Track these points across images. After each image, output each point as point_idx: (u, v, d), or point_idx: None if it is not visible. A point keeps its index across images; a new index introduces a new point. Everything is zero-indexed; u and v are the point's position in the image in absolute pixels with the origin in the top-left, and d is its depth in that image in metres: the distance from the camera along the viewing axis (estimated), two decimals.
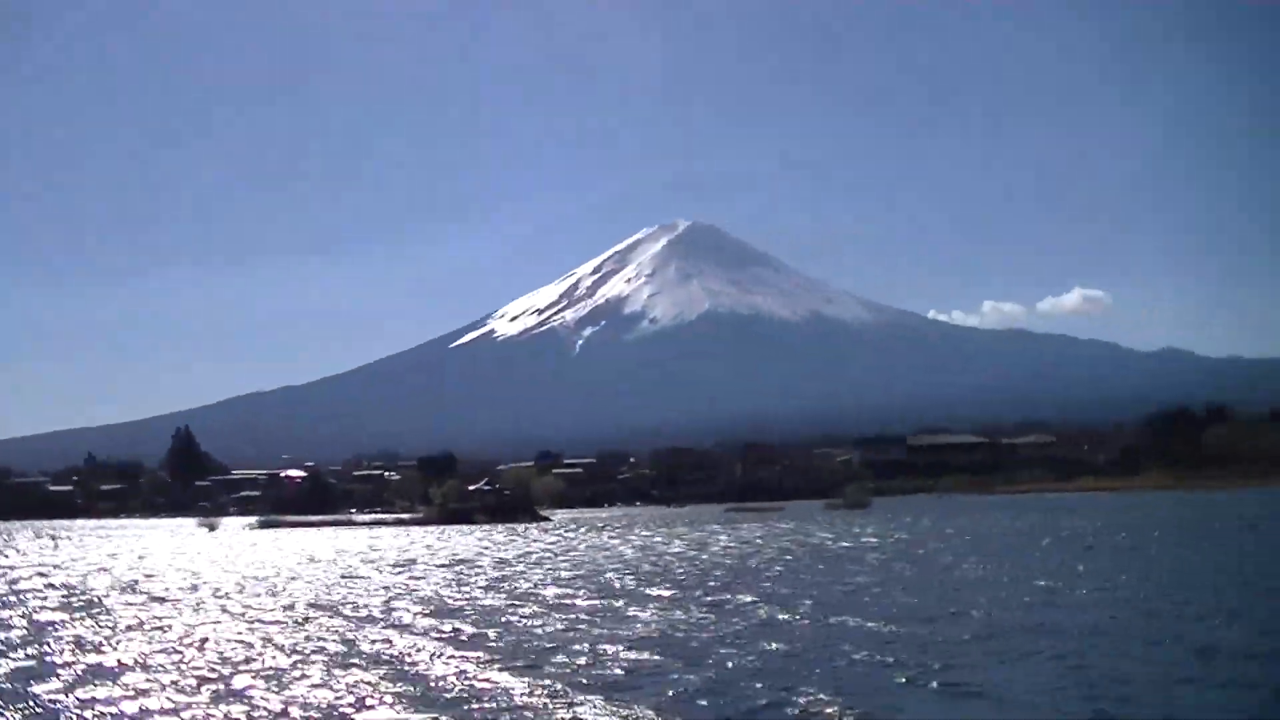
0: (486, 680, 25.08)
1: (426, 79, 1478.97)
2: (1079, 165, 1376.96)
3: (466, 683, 24.98)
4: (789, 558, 61.69)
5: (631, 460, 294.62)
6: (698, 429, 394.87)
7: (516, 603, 40.64)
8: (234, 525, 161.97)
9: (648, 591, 43.57)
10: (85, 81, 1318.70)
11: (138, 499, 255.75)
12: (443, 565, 65.34)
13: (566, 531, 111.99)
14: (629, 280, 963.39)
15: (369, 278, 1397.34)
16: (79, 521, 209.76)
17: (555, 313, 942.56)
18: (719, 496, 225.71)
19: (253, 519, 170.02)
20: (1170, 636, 28.39)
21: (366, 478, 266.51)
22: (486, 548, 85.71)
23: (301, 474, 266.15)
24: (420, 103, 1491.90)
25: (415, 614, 38.06)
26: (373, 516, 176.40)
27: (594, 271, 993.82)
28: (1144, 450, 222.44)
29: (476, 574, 56.21)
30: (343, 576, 57.42)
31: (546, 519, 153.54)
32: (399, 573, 60.10)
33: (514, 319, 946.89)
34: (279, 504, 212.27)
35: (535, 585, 47.76)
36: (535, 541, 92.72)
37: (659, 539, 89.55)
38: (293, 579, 56.29)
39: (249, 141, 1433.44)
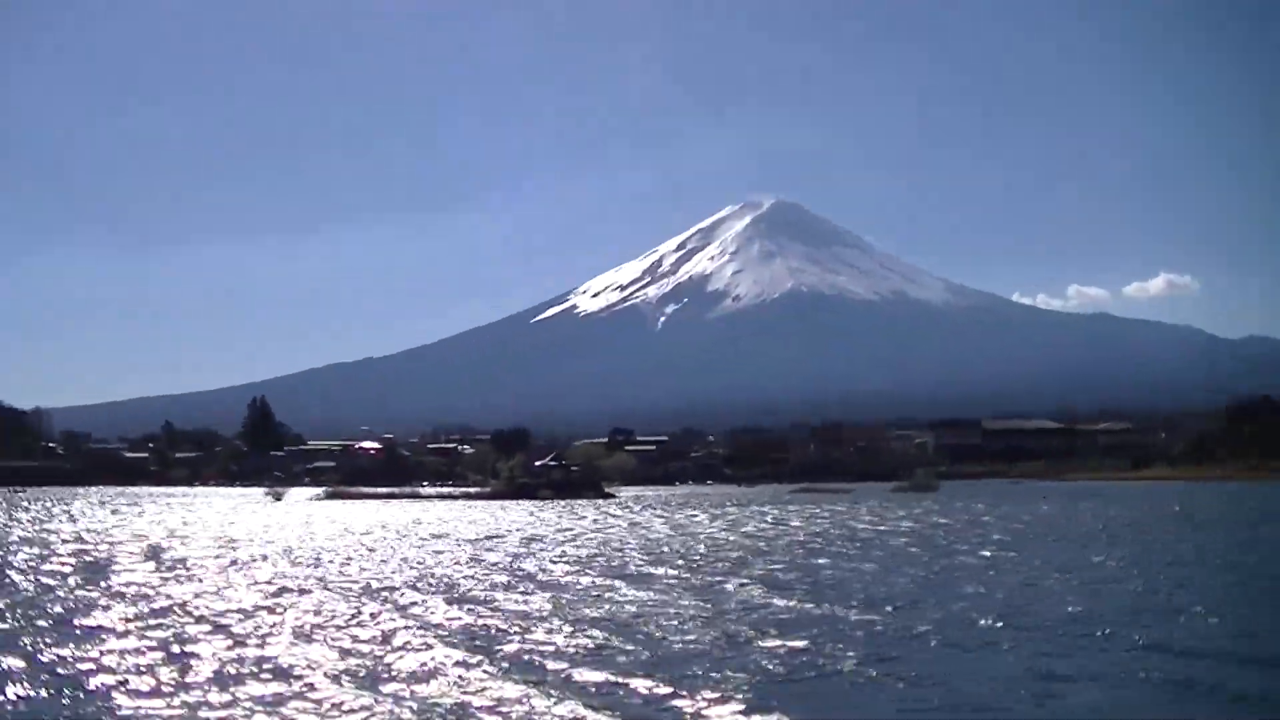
0: (420, 656, 25.25)
1: (523, 46, 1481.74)
2: (1169, 149, 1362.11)
3: (397, 656, 25.27)
4: (817, 541, 61.36)
5: (710, 439, 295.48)
6: (777, 408, 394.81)
7: (512, 580, 40.79)
8: (302, 495, 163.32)
9: (653, 572, 43.63)
10: (164, 43, 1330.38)
11: (212, 467, 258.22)
12: (472, 540, 65.65)
13: (626, 509, 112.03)
14: (712, 258, 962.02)
15: (451, 249, 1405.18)
16: (151, 488, 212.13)
17: (638, 289, 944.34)
18: (790, 476, 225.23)
19: (320, 490, 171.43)
20: (1129, 633, 28.05)
21: (441, 450, 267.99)
22: (530, 523, 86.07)
23: (376, 446, 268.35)
24: (510, 72, 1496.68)
25: (400, 588, 38.37)
26: (439, 490, 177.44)
27: (678, 248, 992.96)
28: (1219, 439, 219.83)
29: (498, 550, 56.32)
30: (369, 549, 57.82)
31: (613, 496, 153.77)
32: (422, 545, 60.78)
33: (596, 295, 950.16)
34: (352, 475, 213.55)
35: (544, 564, 47.81)
36: (583, 519, 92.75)
37: (705, 518, 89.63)
38: (321, 551, 56.78)
39: (335, 105, 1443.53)
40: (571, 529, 77.12)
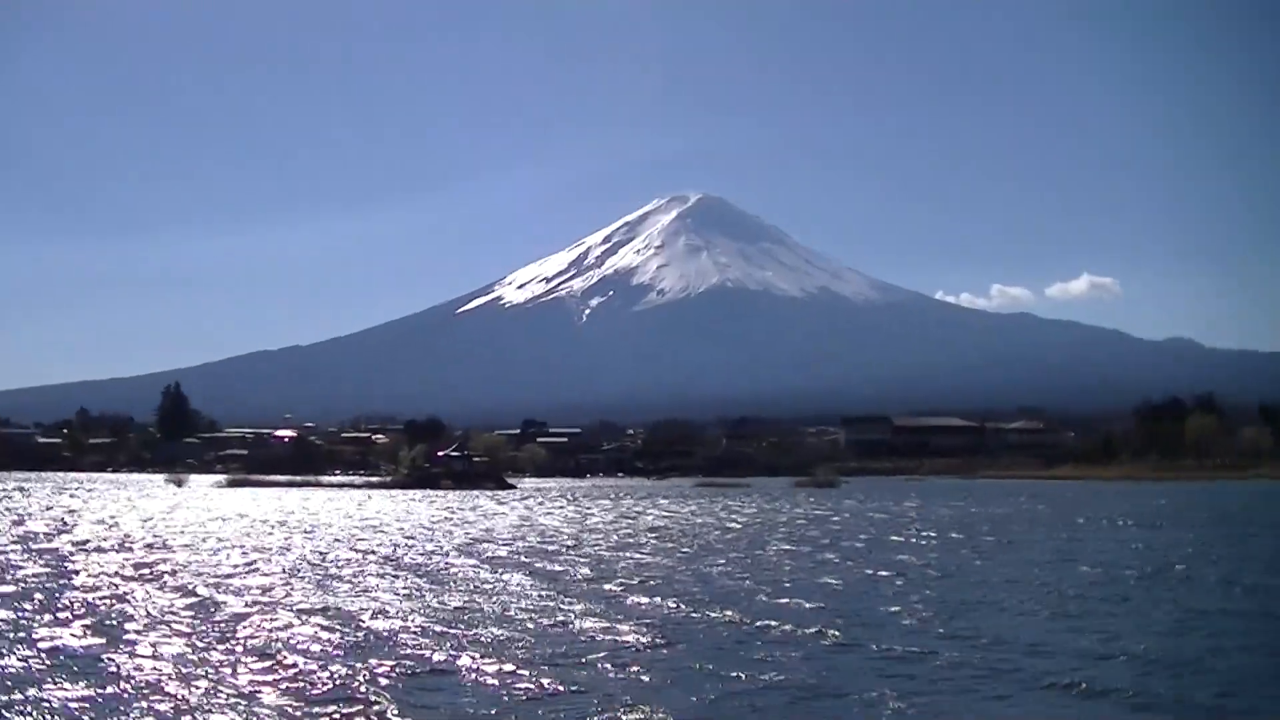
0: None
1: (440, 39, 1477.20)
2: (1091, 151, 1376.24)
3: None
4: (653, 536, 62.43)
5: (629, 432, 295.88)
6: (699, 403, 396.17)
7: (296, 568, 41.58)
8: (204, 482, 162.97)
9: (487, 559, 44.56)
10: (104, 44, 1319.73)
11: (125, 454, 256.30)
12: (318, 526, 66.31)
13: (521, 500, 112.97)
14: (638, 251, 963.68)
15: (378, 240, 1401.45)
16: (61, 475, 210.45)
17: (563, 281, 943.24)
18: (700, 470, 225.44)
19: (222, 477, 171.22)
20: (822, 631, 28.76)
21: (354, 440, 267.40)
22: (407, 512, 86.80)
23: (290, 434, 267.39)
24: (432, 63, 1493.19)
25: (187, 577, 39.00)
26: (341, 479, 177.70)
27: (604, 241, 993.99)
28: (1125, 440, 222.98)
29: (327, 539, 56.98)
30: (217, 538, 58.13)
31: (513, 487, 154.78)
32: (270, 531, 61.51)
33: (522, 286, 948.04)
34: (263, 463, 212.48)
35: (360, 557, 48.26)
36: (467, 509, 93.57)
37: (595, 510, 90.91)
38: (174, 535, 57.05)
39: (258, 101, 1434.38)
40: (443, 520, 77.79)
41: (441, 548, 52.44)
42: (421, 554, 48.73)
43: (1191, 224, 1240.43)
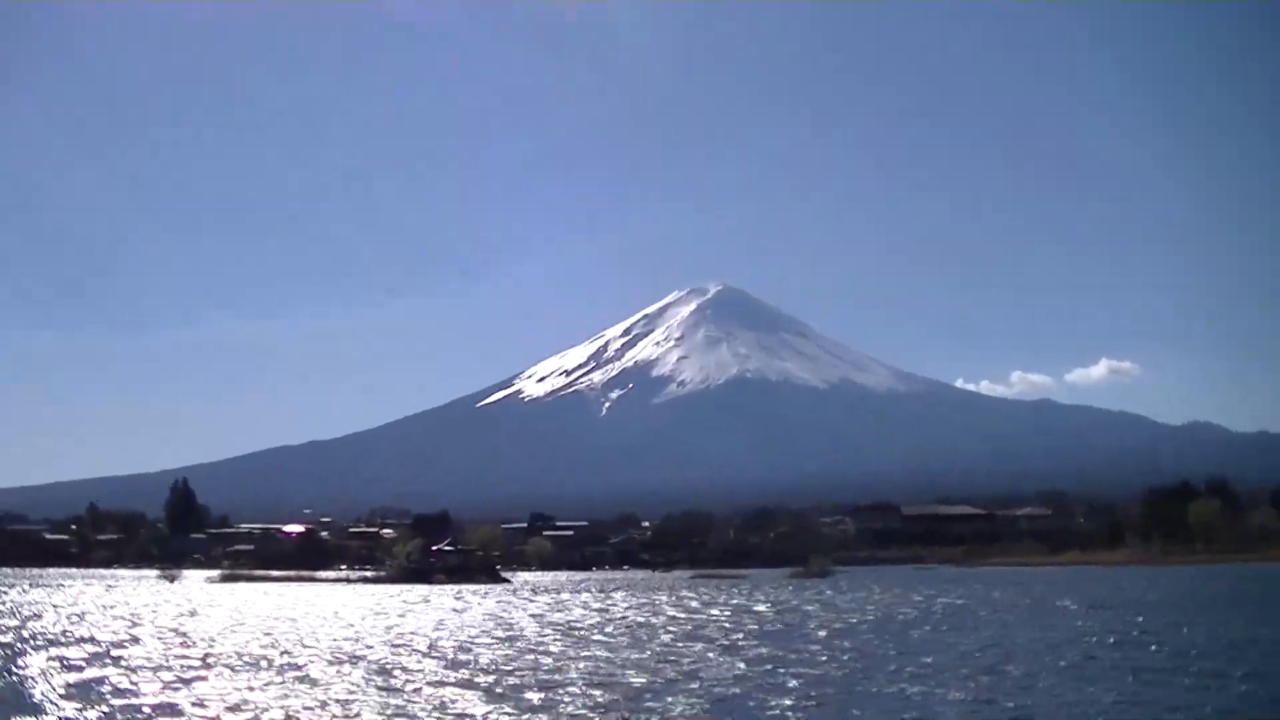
0: None
1: (458, 130, 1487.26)
2: (1108, 236, 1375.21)
3: None
4: (625, 629, 62.61)
5: (644, 525, 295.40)
6: (720, 493, 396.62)
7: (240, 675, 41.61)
8: (198, 577, 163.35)
9: (436, 662, 44.64)
10: (120, 126, 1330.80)
11: (133, 549, 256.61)
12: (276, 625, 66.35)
13: (513, 595, 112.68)
14: (658, 343, 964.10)
15: (398, 333, 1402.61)
16: (69, 570, 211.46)
17: (583, 374, 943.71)
18: (707, 562, 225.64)
19: (215, 572, 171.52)
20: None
21: (363, 534, 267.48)
22: (379, 609, 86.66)
23: (300, 529, 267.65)
24: (453, 155, 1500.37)
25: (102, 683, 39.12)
26: (338, 573, 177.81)
27: (623, 334, 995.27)
28: (1130, 524, 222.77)
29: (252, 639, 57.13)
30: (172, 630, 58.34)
31: (507, 581, 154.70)
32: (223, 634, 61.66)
33: (542, 380, 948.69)
34: (270, 559, 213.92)
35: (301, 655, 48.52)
36: (441, 607, 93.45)
37: (578, 606, 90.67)
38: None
39: (277, 187, 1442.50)
40: (408, 618, 77.73)
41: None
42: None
43: (1210, 306, 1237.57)
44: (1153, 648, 47.22)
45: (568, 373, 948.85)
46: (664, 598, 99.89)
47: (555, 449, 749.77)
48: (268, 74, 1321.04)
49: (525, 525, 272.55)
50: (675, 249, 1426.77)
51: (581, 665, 40.82)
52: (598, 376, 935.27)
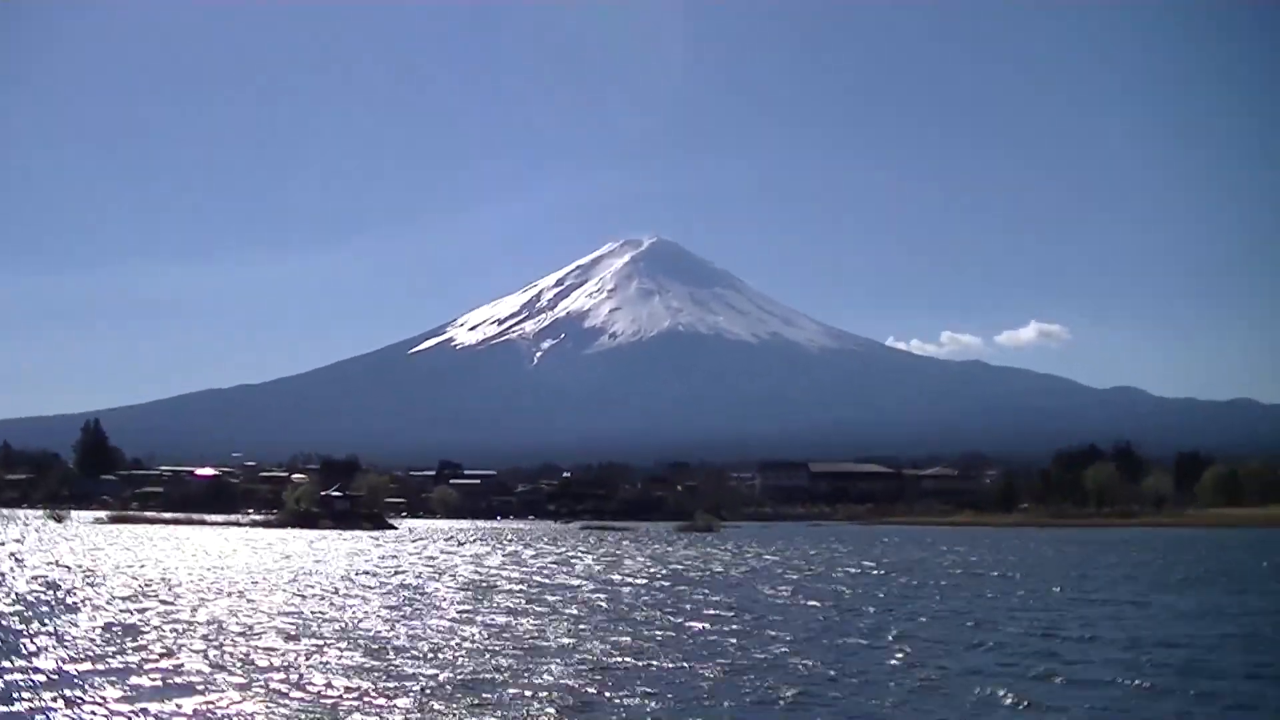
0: None
1: (394, 82, 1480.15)
2: (1040, 199, 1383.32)
3: None
4: (467, 576, 63.62)
5: (566, 475, 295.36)
6: (645, 446, 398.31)
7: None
8: (86, 518, 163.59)
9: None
10: (60, 69, 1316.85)
11: (42, 490, 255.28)
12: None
13: (388, 542, 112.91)
14: (591, 295, 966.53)
15: (330, 279, 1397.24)
16: None
17: (516, 323, 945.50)
18: (612, 514, 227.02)
19: (103, 513, 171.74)
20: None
21: (271, 479, 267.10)
22: (242, 551, 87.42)
23: (210, 473, 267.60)
24: (387, 106, 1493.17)
25: None
26: (226, 518, 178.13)
27: (556, 284, 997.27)
28: (1028, 486, 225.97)
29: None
30: None
31: (392, 526, 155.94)
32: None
33: (474, 328, 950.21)
34: (180, 501, 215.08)
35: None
36: (294, 552, 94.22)
37: (455, 554, 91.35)
38: None
39: (211, 135, 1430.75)
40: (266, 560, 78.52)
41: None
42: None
43: (1139, 274, 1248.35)
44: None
45: (500, 321, 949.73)
46: (516, 549, 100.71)
47: (485, 397, 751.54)
48: (204, 13, 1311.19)
49: (433, 473, 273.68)
50: (610, 201, 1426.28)
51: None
52: (530, 326, 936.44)
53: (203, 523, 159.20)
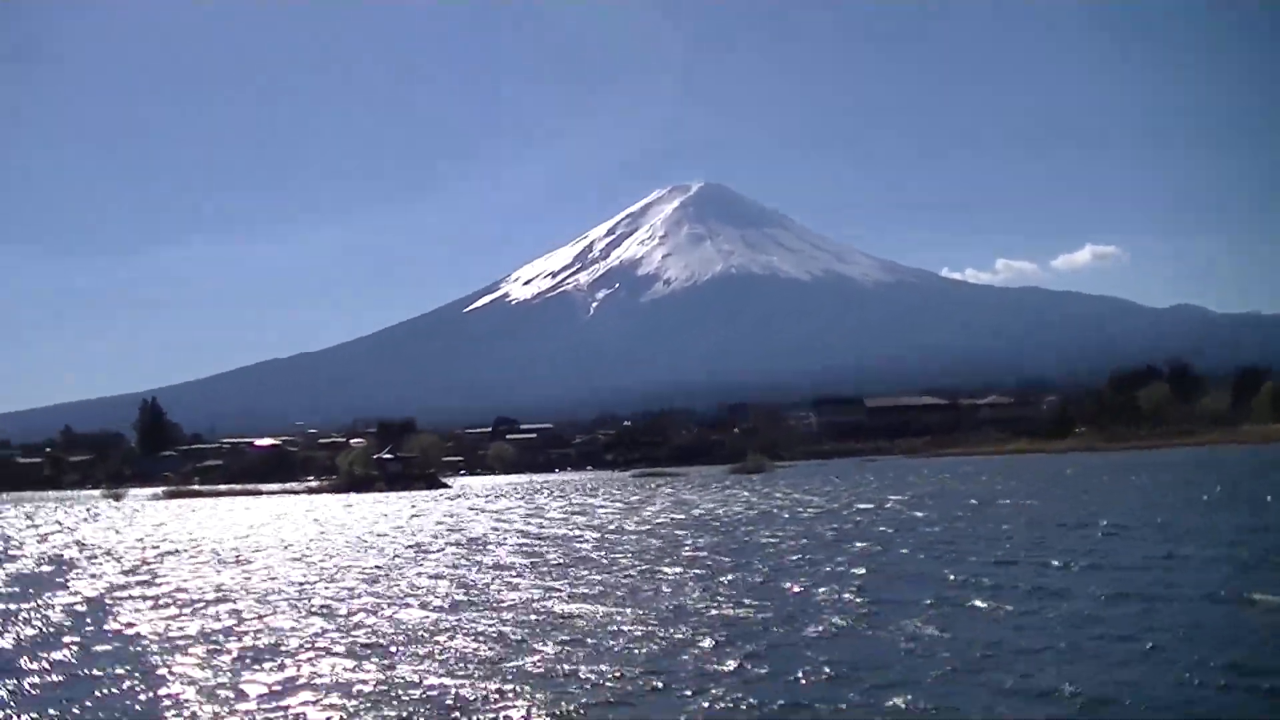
0: None
1: (437, 38, 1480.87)
2: (1090, 119, 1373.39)
3: None
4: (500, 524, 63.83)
5: (627, 424, 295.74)
6: (704, 390, 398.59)
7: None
8: (144, 496, 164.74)
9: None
10: (91, 56, 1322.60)
11: (104, 470, 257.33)
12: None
13: (440, 501, 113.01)
14: (642, 242, 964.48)
15: (383, 242, 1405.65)
16: (42, 494, 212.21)
17: (569, 275, 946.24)
18: (667, 460, 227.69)
19: (160, 489, 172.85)
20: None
21: (329, 445, 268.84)
22: (279, 520, 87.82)
23: (270, 443, 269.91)
24: (429, 63, 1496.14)
25: None
26: (283, 486, 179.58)
27: (607, 234, 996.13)
28: (1081, 411, 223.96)
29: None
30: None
31: (445, 486, 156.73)
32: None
33: (528, 282, 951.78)
34: (239, 473, 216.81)
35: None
36: (344, 513, 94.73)
37: (485, 510, 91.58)
38: None
39: (258, 104, 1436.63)
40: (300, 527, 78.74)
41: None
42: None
43: (1194, 188, 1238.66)
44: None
45: (554, 274, 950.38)
46: (542, 501, 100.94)
47: (542, 351, 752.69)
48: None
49: (489, 430, 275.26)
50: (657, 147, 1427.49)
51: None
52: (583, 277, 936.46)
53: (258, 493, 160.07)
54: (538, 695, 20.19)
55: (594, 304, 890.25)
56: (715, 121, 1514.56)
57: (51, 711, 20.84)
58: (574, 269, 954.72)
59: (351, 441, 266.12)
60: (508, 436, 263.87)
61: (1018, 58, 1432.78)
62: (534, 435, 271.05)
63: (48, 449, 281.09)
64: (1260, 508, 52.76)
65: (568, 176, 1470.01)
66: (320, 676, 22.57)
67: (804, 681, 20.63)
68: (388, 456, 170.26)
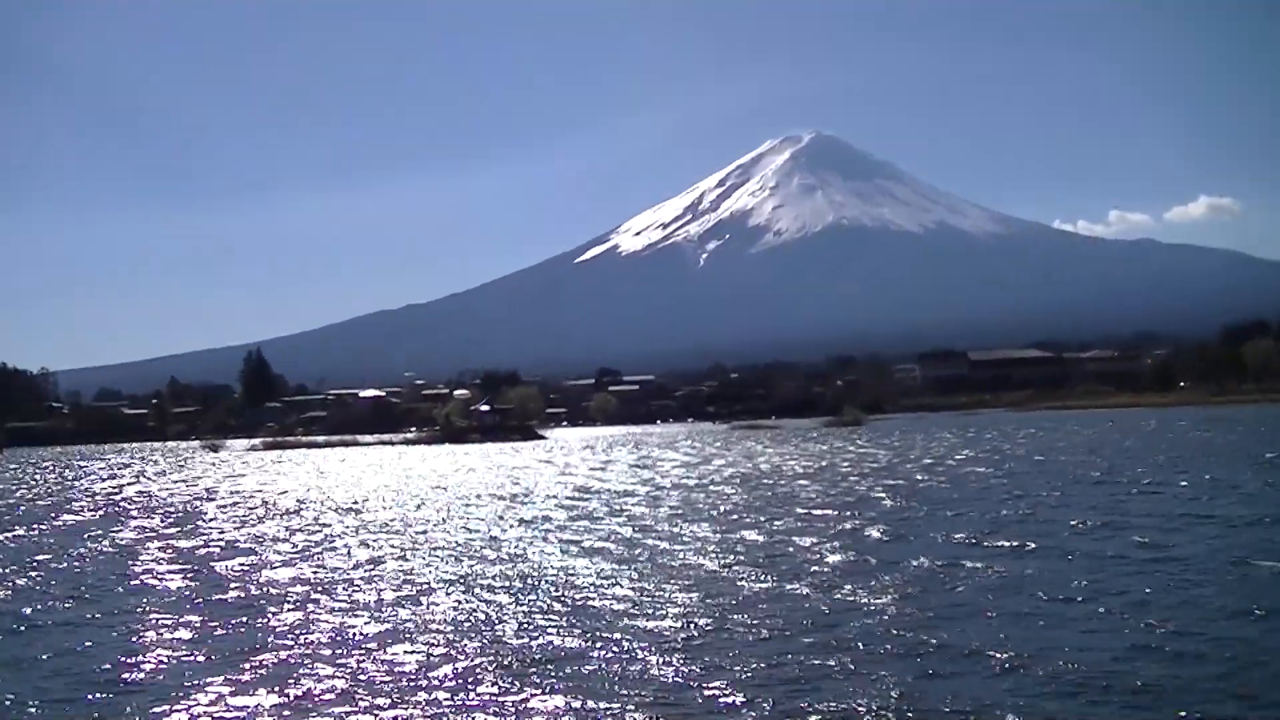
0: None
1: None
2: (1206, 71, 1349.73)
3: None
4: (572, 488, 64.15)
5: (734, 376, 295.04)
6: (813, 343, 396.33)
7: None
8: (241, 446, 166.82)
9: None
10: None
11: (209, 422, 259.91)
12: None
13: (520, 454, 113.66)
14: (753, 193, 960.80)
15: (493, 194, 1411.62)
16: (149, 445, 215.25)
17: (679, 227, 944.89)
18: (770, 412, 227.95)
19: (259, 440, 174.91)
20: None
21: (431, 397, 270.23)
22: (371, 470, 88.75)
23: (373, 394, 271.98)
24: (545, 19, 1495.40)
25: None
26: (380, 437, 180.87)
27: (718, 185, 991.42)
28: (1186, 365, 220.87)
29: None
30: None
31: (541, 437, 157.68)
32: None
33: (638, 234, 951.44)
34: (342, 425, 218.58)
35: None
36: (424, 462, 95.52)
37: (552, 463, 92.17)
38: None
39: (369, 57, 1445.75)
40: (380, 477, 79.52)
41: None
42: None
43: None
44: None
45: (664, 225, 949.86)
46: (618, 453, 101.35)
47: (652, 302, 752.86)
48: None
49: (593, 381, 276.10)
50: (768, 99, 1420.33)
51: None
52: (694, 229, 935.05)
53: (355, 444, 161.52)
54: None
55: (704, 255, 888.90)
56: (827, 73, 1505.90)
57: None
58: (684, 220, 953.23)
59: (455, 393, 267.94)
60: (610, 388, 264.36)
61: (1134, 8, 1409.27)
62: (636, 387, 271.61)
63: (154, 400, 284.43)
64: None
65: (680, 128, 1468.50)
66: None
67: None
68: (484, 408, 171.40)
